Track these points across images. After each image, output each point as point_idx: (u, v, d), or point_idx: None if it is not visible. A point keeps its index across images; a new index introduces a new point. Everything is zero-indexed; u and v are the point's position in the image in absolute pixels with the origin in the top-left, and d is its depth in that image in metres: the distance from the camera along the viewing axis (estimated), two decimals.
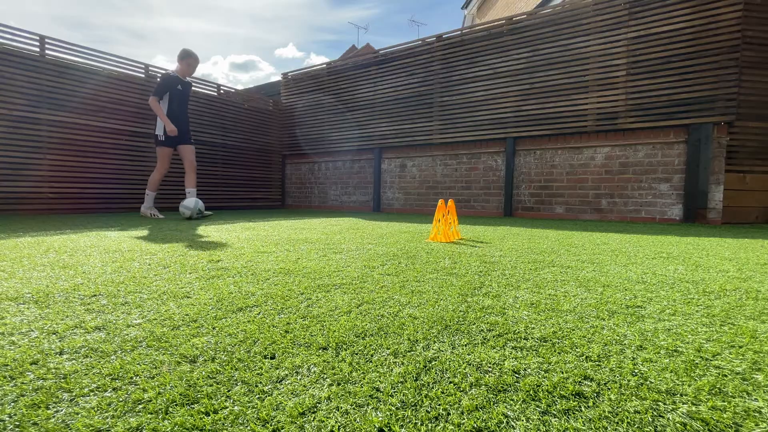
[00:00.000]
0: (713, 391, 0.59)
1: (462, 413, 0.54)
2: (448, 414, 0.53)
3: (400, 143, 5.95)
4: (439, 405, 0.56)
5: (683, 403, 0.56)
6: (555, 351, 0.74)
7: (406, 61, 5.83)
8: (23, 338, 0.78)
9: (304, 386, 0.61)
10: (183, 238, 2.39)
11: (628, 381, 0.62)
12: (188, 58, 4.13)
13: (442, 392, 0.59)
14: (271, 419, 0.52)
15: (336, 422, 0.51)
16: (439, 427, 0.50)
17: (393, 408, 0.55)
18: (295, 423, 0.51)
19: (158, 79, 4.05)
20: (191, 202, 4.00)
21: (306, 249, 1.98)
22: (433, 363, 0.69)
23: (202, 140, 6.20)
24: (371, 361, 0.70)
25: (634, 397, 0.57)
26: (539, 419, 0.52)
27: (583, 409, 0.55)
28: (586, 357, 0.71)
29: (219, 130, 6.46)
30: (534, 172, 4.93)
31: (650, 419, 0.52)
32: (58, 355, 0.70)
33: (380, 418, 0.52)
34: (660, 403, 0.56)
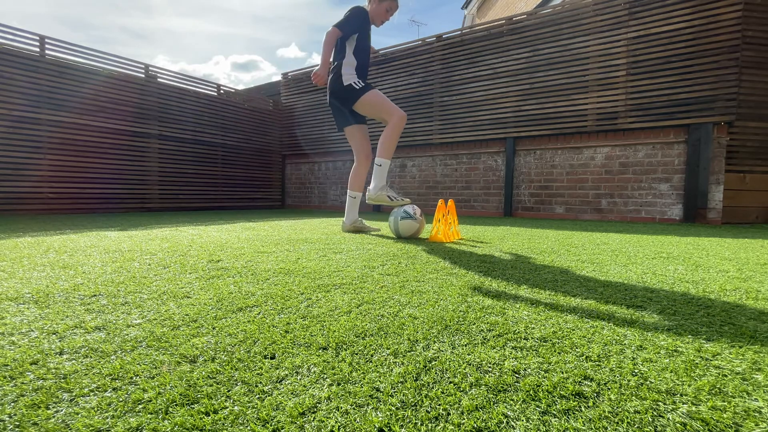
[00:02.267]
0: (713, 391, 0.59)
1: (462, 413, 0.53)
2: (448, 414, 0.53)
3: (400, 143, 5.95)
4: (439, 405, 0.55)
5: (683, 403, 0.56)
6: (555, 351, 0.74)
7: (406, 61, 5.83)
8: (23, 338, 0.78)
9: (304, 386, 0.61)
10: (183, 238, 2.39)
11: (628, 381, 0.62)
12: (390, 1, 2.71)
13: (442, 392, 0.59)
14: (271, 419, 0.52)
15: (336, 422, 0.51)
16: (439, 427, 0.50)
17: (393, 408, 0.55)
18: (295, 423, 0.51)
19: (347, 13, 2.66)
20: (411, 226, 2.47)
21: (306, 249, 1.98)
22: (433, 363, 0.69)
23: (202, 140, 6.20)
24: (371, 361, 0.70)
25: (634, 397, 0.57)
26: (539, 419, 0.52)
27: (583, 409, 0.55)
28: (586, 357, 0.71)
29: (219, 130, 6.46)
30: (534, 172, 4.93)
31: (650, 419, 0.52)
32: (58, 355, 0.70)
33: (380, 418, 0.52)
34: (660, 403, 0.56)
